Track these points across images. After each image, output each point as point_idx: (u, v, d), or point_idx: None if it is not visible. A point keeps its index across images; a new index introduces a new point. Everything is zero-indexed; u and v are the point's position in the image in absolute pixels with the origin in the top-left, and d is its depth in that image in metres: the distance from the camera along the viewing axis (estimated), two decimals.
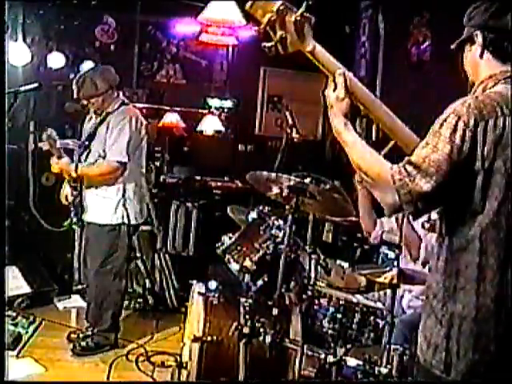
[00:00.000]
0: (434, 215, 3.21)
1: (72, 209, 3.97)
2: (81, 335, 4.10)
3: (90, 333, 4.02)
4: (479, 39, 1.71)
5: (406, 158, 1.60)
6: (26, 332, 4.10)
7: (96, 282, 3.99)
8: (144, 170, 4.13)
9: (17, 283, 4.67)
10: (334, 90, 1.76)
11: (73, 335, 4.17)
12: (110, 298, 3.98)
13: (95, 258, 3.98)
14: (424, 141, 1.61)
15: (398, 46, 5.33)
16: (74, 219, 3.96)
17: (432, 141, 1.58)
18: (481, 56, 1.72)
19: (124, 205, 3.91)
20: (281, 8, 1.59)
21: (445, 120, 1.58)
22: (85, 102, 3.95)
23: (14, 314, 4.24)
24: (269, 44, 1.63)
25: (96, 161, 3.90)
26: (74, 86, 3.89)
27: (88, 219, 3.97)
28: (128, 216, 3.92)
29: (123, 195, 3.92)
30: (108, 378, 3.64)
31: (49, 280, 4.94)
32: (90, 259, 4.03)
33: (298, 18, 1.61)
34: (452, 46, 1.81)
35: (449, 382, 1.64)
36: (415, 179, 1.55)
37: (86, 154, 3.94)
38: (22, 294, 4.61)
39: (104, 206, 3.93)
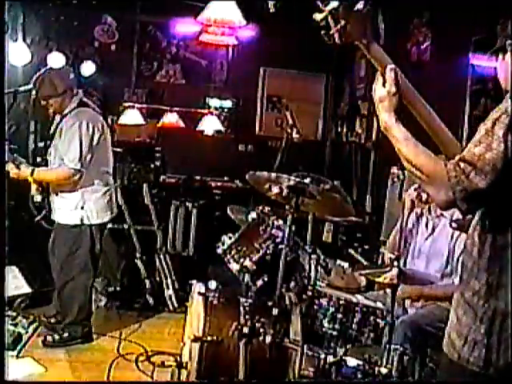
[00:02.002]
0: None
1: (42, 207, 4.05)
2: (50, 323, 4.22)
3: (61, 326, 4.11)
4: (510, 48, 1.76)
5: (459, 156, 1.62)
6: (26, 332, 4.10)
7: (61, 279, 4.08)
8: (108, 168, 4.12)
9: (17, 283, 4.66)
10: (384, 86, 1.79)
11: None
12: (74, 293, 4.05)
13: (59, 254, 4.06)
14: (475, 139, 1.62)
15: (398, 46, 5.33)
16: (42, 216, 4.06)
17: (485, 140, 1.60)
18: None
19: (82, 207, 3.96)
20: None
21: (497, 119, 1.60)
22: (43, 103, 3.97)
23: (14, 314, 4.24)
24: (330, 32, 1.63)
25: (53, 164, 3.96)
26: (32, 87, 3.87)
27: (53, 217, 4.07)
28: (88, 217, 3.97)
29: (82, 196, 3.96)
30: (108, 377, 3.64)
31: (49, 280, 4.93)
32: (56, 257, 4.10)
33: (361, 10, 1.63)
34: (487, 55, 1.89)
35: (487, 377, 1.67)
36: (470, 176, 1.58)
37: (48, 155, 4.02)
38: (21, 294, 4.61)
39: (63, 206, 3.99)
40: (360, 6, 1.62)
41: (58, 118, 4.04)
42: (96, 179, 4.00)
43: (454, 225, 2.98)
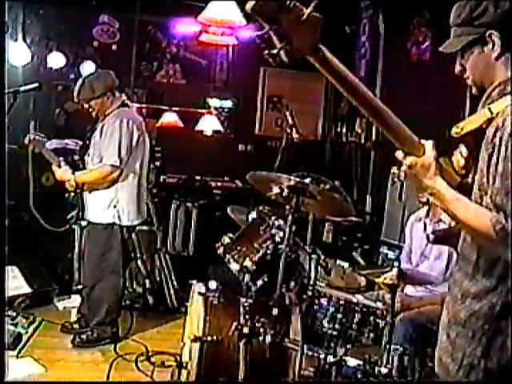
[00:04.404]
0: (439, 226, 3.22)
1: (75, 206, 4.08)
2: (75, 326, 4.25)
3: (84, 324, 4.17)
4: (495, 39, 1.61)
5: (496, 205, 1.53)
6: (26, 332, 4.10)
7: (91, 279, 4.11)
8: (142, 171, 4.14)
9: (17, 283, 4.67)
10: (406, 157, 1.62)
11: (67, 324, 4.30)
12: (105, 293, 4.08)
13: (90, 255, 4.10)
14: (502, 176, 1.53)
15: (398, 46, 5.34)
16: (75, 216, 4.07)
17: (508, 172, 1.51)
18: (498, 58, 1.62)
19: (115, 206, 3.99)
20: (287, 7, 1.28)
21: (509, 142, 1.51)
22: (86, 106, 4.06)
23: (14, 314, 4.24)
24: (272, 51, 1.36)
25: (91, 164, 4.02)
26: (75, 90, 4.03)
27: (85, 217, 4.09)
28: (119, 217, 4.01)
29: (115, 195, 3.99)
30: (108, 377, 3.64)
31: (49, 280, 4.94)
32: (86, 256, 4.14)
33: (306, 20, 1.31)
34: (453, 50, 1.70)
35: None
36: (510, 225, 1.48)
37: (87, 156, 4.07)
38: (22, 294, 4.61)
39: (96, 205, 4.03)
40: (307, 14, 1.30)
41: (100, 120, 4.10)
42: (131, 179, 4.04)
43: (431, 237, 2.89)
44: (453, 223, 1.72)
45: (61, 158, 4.05)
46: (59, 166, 4.01)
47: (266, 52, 1.37)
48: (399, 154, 1.62)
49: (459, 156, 1.75)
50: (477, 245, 1.64)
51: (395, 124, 1.53)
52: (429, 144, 1.62)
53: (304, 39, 1.33)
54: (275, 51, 1.35)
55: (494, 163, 1.53)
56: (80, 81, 4.03)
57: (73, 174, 3.96)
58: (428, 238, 3.04)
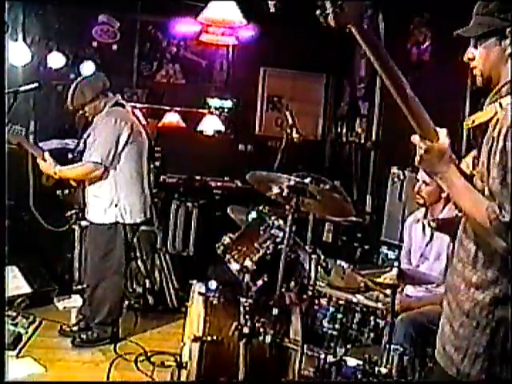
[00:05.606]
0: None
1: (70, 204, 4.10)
2: (74, 328, 4.24)
3: (84, 325, 4.18)
4: None
5: (492, 195, 1.56)
6: (26, 332, 4.10)
7: (94, 279, 4.11)
8: (139, 168, 4.11)
9: (17, 283, 4.67)
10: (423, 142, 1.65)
11: (65, 327, 4.27)
12: (107, 293, 4.08)
13: (93, 255, 4.10)
14: (495, 166, 1.57)
15: (398, 46, 5.33)
16: (74, 216, 4.11)
17: (502, 162, 1.55)
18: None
19: (116, 205, 3.99)
20: None
21: (506, 136, 1.55)
22: (80, 111, 4.07)
23: (14, 314, 4.24)
24: (326, 11, 1.45)
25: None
26: (68, 98, 4.02)
27: (87, 217, 4.11)
28: (122, 215, 4.01)
29: (115, 194, 3.99)
30: (108, 377, 3.64)
31: (49, 280, 4.93)
32: (89, 257, 4.15)
33: None
34: (471, 35, 1.73)
35: None
36: (505, 217, 1.52)
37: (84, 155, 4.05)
38: (22, 294, 4.61)
39: (97, 206, 4.03)
40: None
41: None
42: (129, 178, 4.03)
43: (433, 224, 2.89)
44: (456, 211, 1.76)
45: (46, 153, 3.99)
46: (44, 159, 3.98)
47: (319, 12, 1.46)
48: (416, 138, 1.66)
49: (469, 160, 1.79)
50: (476, 236, 1.68)
51: (417, 107, 1.59)
52: (443, 131, 1.68)
53: (352, 8, 1.43)
54: (327, 12, 1.44)
55: (493, 155, 1.59)
56: (71, 87, 4.00)
57: (55, 170, 3.94)
58: (429, 224, 3.03)
